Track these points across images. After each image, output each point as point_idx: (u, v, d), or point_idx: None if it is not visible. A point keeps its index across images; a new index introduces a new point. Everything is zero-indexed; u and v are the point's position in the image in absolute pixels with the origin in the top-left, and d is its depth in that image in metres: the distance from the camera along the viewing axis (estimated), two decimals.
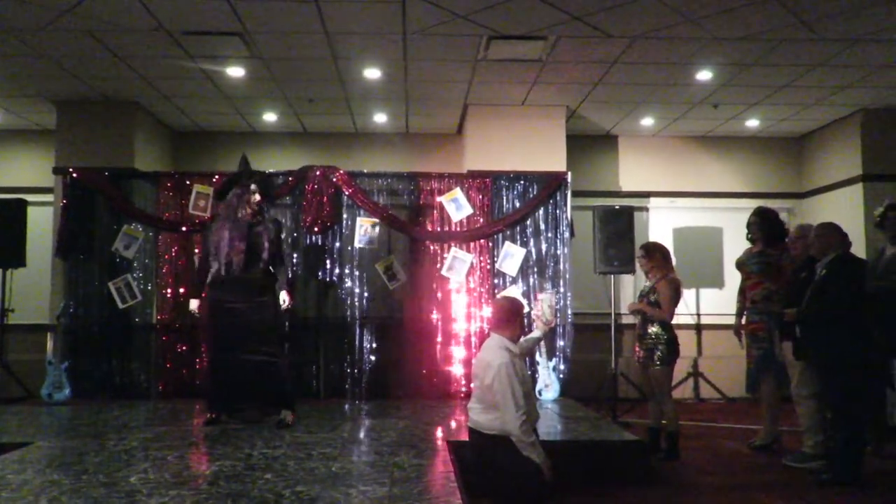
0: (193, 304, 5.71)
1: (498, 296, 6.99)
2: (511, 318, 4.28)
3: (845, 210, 7.95)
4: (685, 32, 5.77)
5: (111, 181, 7.35)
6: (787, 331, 5.15)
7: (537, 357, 7.01)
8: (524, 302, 6.75)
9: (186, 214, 7.29)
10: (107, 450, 4.61)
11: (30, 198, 7.56)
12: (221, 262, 5.42)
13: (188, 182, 7.37)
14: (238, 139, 8.77)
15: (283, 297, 5.60)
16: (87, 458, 4.34)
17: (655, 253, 5.64)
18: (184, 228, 7.28)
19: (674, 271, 5.62)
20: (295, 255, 7.34)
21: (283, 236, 5.96)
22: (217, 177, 7.35)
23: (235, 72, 6.72)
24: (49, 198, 7.72)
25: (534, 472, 3.96)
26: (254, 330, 5.46)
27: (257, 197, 5.51)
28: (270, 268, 5.60)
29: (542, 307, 4.72)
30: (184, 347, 7.18)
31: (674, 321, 5.51)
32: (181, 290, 7.17)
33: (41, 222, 7.64)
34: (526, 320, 5.45)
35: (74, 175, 7.31)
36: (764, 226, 5.83)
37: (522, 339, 4.38)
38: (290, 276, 5.98)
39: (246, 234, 5.44)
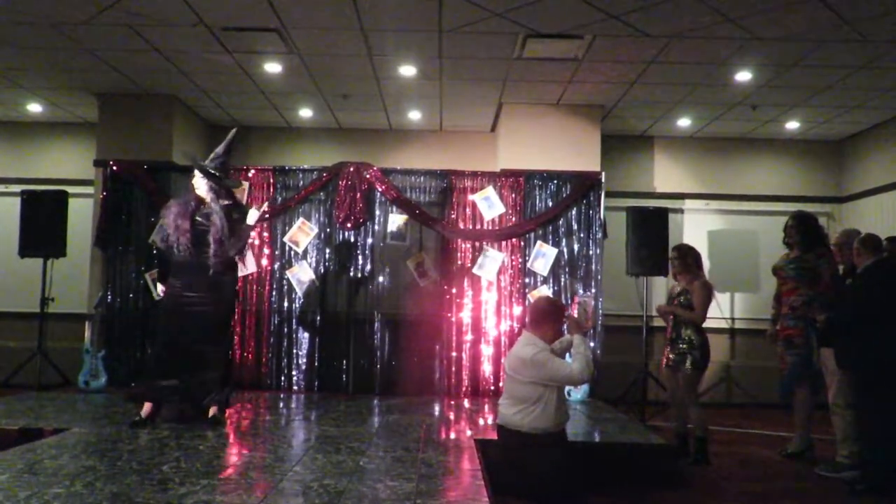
0: (160, 288, 5.47)
1: (537, 295, 6.97)
2: (546, 319, 4.27)
3: (887, 215, 7.78)
4: (724, 32, 5.69)
5: (149, 174, 7.47)
6: (826, 337, 5.06)
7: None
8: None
9: None
10: (140, 438, 4.69)
11: (71, 189, 7.70)
12: (171, 243, 5.17)
13: None
14: (273, 134, 8.87)
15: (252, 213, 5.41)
16: (122, 446, 4.43)
17: (689, 256, 5.58)
18: None
19: (704, 276, 5.56)
20: (327, 251, 7.40)
21: (245, 218, 5.39)
22: (253, 171, 7.46)
23: (272, 67, 6.79)
24: (89, 189, 7.88)
25: (560, 469, 3.96)
26: (199, 323, 5.16)
27: (202, 186, 5.20)
28: (228, 256, 5.27)
29: (579, 310, 4.68)
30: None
31: (707, 325, 5.44)
32: None
33: (81, 213, 7.80)
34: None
35: (114, 168, 7.45)
36: (802, 230, 5.71)
37: (556, 341, 4.36)
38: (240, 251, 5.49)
39: (190, 215, 5.17)
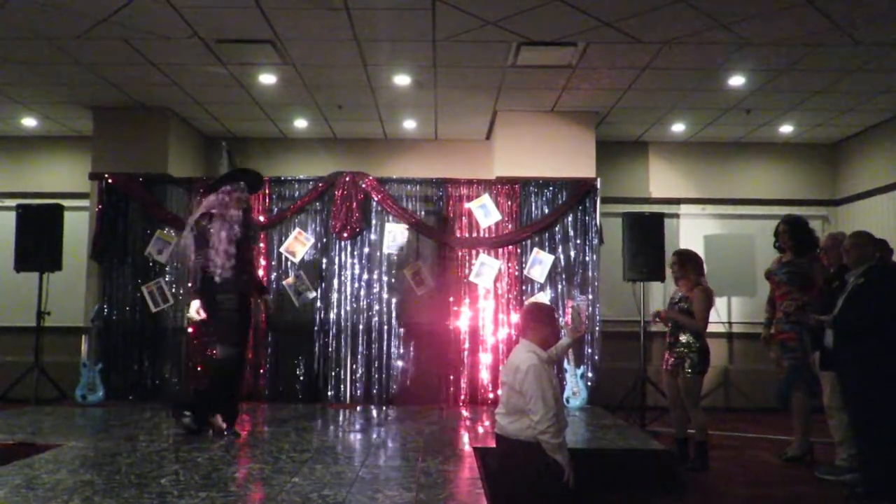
0: (194, 305, 5.29)
1: (528, 302, 6.97)
2: (539, 325, 4.25)
3: (881, 218, 7.80)
4: (717, 37, 5.72)
5: (145, 187, 7.48)
6: (818, 340, 5.06)
7: (565, 364, 6.97)
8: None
9: None
10: (138, 451, 4.68)
11: (66, 203, 7.70)
12: (220, 263, 5.16)
13: None
14: (269, 145, 8.87)
15: (195, 305, 5.24)
16: (120, 459, 4.42)
17: (688, 262, 5.54)
18: None
19: (705, 281, 5.54)
20: (324, 261, 7.40)
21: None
22: None
23: (267, 79, 6.80)
24: (85, 203, 7.87)
25: (558, 479, 3.94)
26: (246, 335, 5.52)
27: (246, 195, 5.36)
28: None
29: (572, 314, 4.68)
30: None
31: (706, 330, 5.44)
32: None
33: (77, 227, 7.78)
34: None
35: (110, 181, 7.46)
36: (793, 234, 5.72)
37: (552, 347, 4.35)
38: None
39: (243, 239, 5.27)
